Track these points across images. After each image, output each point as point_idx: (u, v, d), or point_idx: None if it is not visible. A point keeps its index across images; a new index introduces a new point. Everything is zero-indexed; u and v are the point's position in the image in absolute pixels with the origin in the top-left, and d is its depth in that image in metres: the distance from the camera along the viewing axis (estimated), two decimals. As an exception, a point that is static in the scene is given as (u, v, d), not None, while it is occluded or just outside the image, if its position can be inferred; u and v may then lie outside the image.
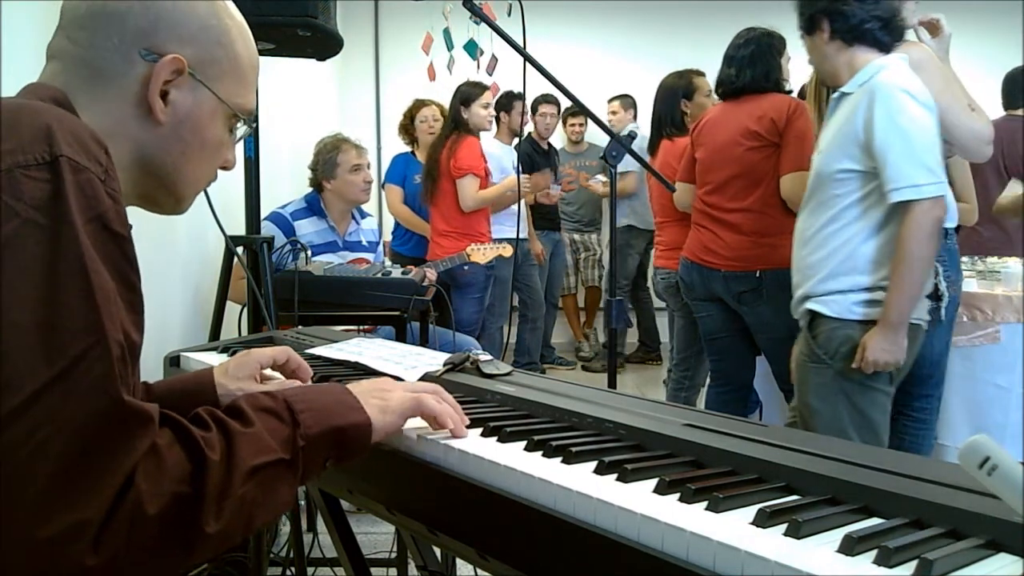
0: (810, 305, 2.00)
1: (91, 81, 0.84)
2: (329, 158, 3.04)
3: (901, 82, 1.85)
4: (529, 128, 5.19)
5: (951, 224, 2.25)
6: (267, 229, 2.73)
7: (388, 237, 4.69)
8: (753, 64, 2.71)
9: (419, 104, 4.40)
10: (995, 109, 3.33)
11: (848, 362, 1.93)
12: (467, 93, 3.97)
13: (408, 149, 4.47)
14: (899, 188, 1.80)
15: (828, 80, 2.07)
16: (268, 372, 1.15)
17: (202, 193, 1.49)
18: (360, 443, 0.84)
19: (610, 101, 5.58)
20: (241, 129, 0.95)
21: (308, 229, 2.96)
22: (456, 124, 3.96)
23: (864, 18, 1.92)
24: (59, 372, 0.63)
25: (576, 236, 5.81)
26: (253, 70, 0.94)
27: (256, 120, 2.03)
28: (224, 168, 0.96)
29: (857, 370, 1.92)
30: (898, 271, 1.83)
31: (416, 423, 0.90)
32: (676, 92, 3.38)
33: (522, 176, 3.88)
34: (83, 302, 0.65)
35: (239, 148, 1.98)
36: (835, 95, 2.02)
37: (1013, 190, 2.94)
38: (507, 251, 3.47)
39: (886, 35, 1.94)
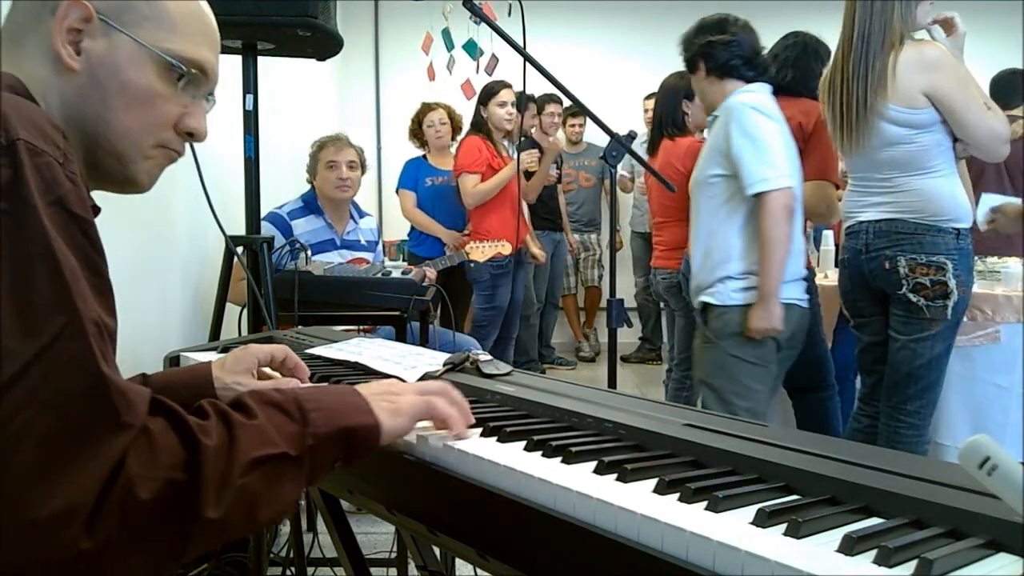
0: (703, 297, 2.39)
1: (18, 52, 0.85)
2: (312, 155, 3.09)
3: (750, 100, 2.26)
4: (532, 129, 5.18)
5: (965, 224, 2.24)
6: (265, 230, 2.72)
7: (395, 238, 4.70)
8: (796, 66, 2.77)
9: (426, 108, 4.36)
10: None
11: (732, 341, 2.28)
12: (485, 90, 3.98)
13: (420, 153, 4.45)
14: (752, 183, 2.21)
15: (708, 108, 2.48)
16: (266, 371, 1.15)
17: (202, 193, 1.51)
18: (368, 445, 0.83)
19: (647, 99, 5.54)
20: (185, 80, 0.90)
21: (304, 228, 2.96)
22: (473, 123, 3.96)
23: (729, 57, 2.37)
24: (36, 353, 0.63)
25: (576, 236, 5.81)
26: (189, 18, 0.91)
27: (255, 119, 2.04)
28: (193, 137, 0.93)
29: (742, 348, 2.28)
30: (763, 252, 2.23)
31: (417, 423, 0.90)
32: (677, 92, 3.37)
33: (522, 153, 3.91)
34: (52, 282, 0.65)
35: (238, 147, 2.00)
36: (709, 118, 2.44)
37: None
38: (506, 248, 3.47)
39: (748, 70, 2.38)
